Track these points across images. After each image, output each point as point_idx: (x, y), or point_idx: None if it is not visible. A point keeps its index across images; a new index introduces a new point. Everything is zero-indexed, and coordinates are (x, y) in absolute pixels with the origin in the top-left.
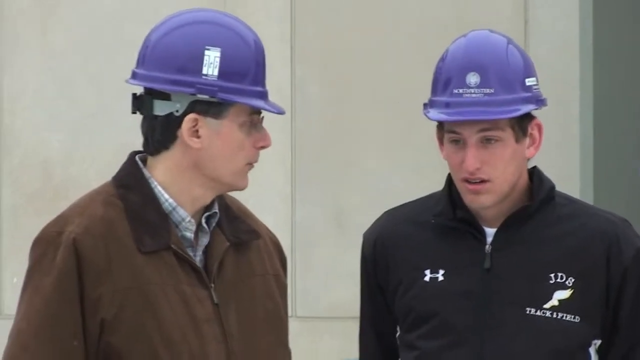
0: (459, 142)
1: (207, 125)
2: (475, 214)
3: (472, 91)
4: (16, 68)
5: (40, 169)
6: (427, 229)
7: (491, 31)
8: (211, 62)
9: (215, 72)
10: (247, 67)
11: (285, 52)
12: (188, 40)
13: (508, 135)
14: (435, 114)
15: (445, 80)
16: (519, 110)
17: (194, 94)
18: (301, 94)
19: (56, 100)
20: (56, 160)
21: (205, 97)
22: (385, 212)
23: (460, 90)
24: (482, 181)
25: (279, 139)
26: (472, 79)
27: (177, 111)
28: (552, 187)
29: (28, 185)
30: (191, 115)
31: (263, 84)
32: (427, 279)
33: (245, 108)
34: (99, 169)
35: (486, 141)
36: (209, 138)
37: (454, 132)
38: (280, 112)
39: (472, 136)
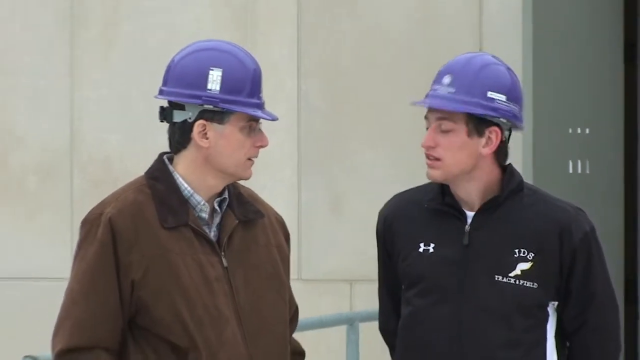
0: (428, 124)
1: (213, 129)
2: (459, 200)
3: (442, 88)
4: (85, 84)
5: (103, 163)
6: (423, 210)
7: (493, 56)
8: (214, 79)
9: (218, 87)
10: (243, 84)
11: (293, 70)
12: (197, 63)
13: (460, 128)
14: (416, 101)
15: (434, 79)
16: (462, 109)
17: (201, 105)
18: (305, 102)
19: (115, 109)
20: (115, 156)
21: (210, 107)
22: (395, 195)
23: (436, 87)
24: (435, 159)
25: (287, 140)
26: (446, 79)
27: (190, 118)
28: (521, 180)
29: (93, 176)
30: (200, 122)
31: (258, 97)
32: (420, 250)
33: (244, 115)
34: (147, 163)
35: (440, 127)
36: (215, 139)
37: (426, 117)
38: (274, 119)
39: (432, 121)
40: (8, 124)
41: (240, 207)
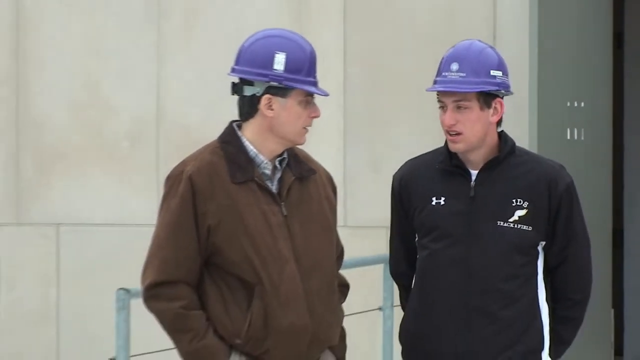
0: (443, 108)
1: (277, 102)
2: (465, 161)
3: (452, 74)
4: (168, 65)
5: (183, 130)
6: (434, 171)
7: (479, 41)
8: (279, 61)
9: (282, 68)
10: (302, 65)
11: (340, 55)
12: (265, 47)
13: (474, 104)
14: (430, 87)
15: (440, 67)
16: (475, 89)
17: (268, 82)
18: (350, 82)
19: (193, 85)
20: (193, 125)
21: (275, 83)
22: (408, 160)
23: (446, 73)
24: (457, 134)
25: (336, 112)
26: (454, 66)
27: (258, 93)
28: (513, 144)
29: (175, 141)
30: (267, 96)
31: (314, 76)
32: (433, 203)
33: (302, 91)
34: (219, 130)
35: (458, 108)
36: (278, 110)
37: (440, 101)
38: (326, 95)
39: (449, 103)
40: (103, 99)
41: (297, 165)
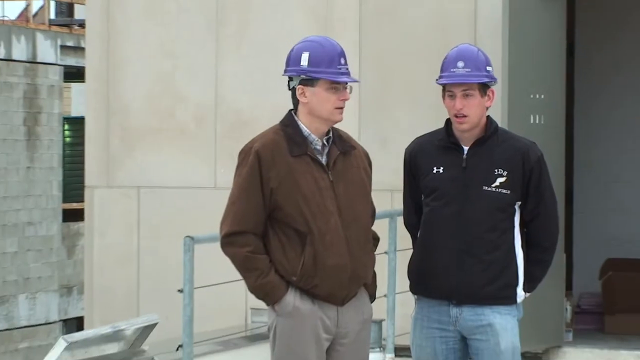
0: (452, 96)
1: (308, 90)
2: (459, 139)
3: (460, 70)
4: (224, 63)
5: (236, 114)
6: (434, 146)
7: (471, 45)
8: (304, 59)
9: (306, 64)
10: (322, 60)
11: (356, 57)
12: (297, 50)
13: (476, 93)
14: (442, 80)
15: (446, 65)
16: (480, 80)
17: (298, 75)
18: (364, 76)
19: (244, 79)
20: (243, 111)
21: (304, 76)
22: (415, 138)
23: (453, 70)
24: (464, 116)
25: (352, 101)
26: (460, 64)
27: (295, 85)
28: (497, 125)
29: (230, 122)
30: (299, 86)
31: (336, 67)
32: (434, 171)
33: (327, 80)
34: (270, 116)
35: (465, 96)
36: (310, 97)
37: (450, 91)
38: (342, 82)
39: (458, 92)
40: (174, 90)
41: (341, 143)
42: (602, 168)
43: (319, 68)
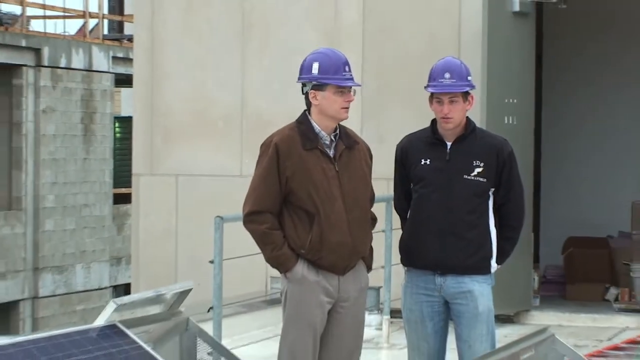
0: (440, 102)
1: (318, 94)
2: (443, 136)
3: (446, 80)
4: (249, 72)
5: (258, 115)
6: (422, 142)
7: (453, 57)
8: (315, 68)
9: (316, 72)
10: (329, 68)
11: (359, 67)
12: (309, 60)
13: (460, 99)
14: (432, 89)
15: (434, 75)
16: (464, 89)
17: (310, 81)
18: (365, 82)
19: (265, 85)
20: (264, 111)
21: (314, 82)
22: (405, 135)
23: (441, 80)
24: (449, 118)
25: (356, 103)
26: (446, 75)
27: (307, 90)
28: (475, 125)
29: (253, 121)
30: (311, 91)
31: (341, 74)
32: (422, 163)
33: (334, 85)
34: (287, 116)
35: (451, 102)
36: (320, 99)
37: (438, 97)
38: (346, 86)
39: (445, 99)
40: (207, 95)
41: (346, 139)
42: (566, 163)
43: (327, 75)
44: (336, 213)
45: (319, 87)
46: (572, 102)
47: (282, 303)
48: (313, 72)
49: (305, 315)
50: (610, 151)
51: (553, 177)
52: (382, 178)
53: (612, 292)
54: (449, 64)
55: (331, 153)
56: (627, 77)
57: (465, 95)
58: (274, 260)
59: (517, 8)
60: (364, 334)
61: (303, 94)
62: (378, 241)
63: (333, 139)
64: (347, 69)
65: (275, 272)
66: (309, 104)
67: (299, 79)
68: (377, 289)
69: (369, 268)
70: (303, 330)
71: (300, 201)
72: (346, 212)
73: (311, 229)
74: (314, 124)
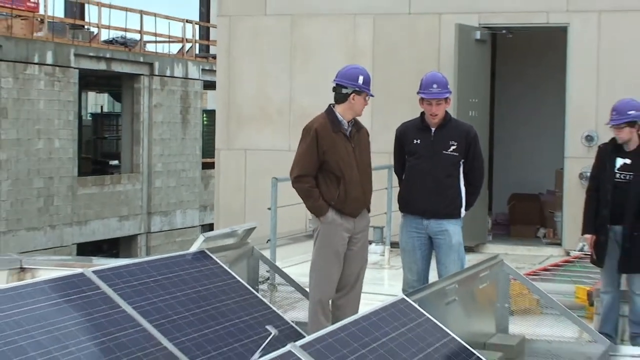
0: (429, 104)
1: (357, 97)
2: (429, 124)
3: (434, 90)
4: (296, 78)
5: (302, 108)
6: (414, 128)
7: (437, 72)
8: (360, 79)
9: (361, 82)
10: (367, 81)
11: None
12: (354, 71)
13: (443, 102)
14: (424, 95)
15: (425, 85)
16: (445, 95)
17: (355, 88)
18: (375, 88)
19: (307, 88)
20: (306, 106)
21: (357, 89)
22: (402, 123)
23: (430, 89)
24: (436, 115)
25: (368, 105)
26: (434, 85)
27: (349, 92)
28: (450, 116)
29: (298, 114)
30: (352, 94)
31: (369, 86)
32: (414, 142)
33: (366, 93)
34: (320, 108)
35: (437, 104)
36: (356, 101)
37: (428, 101)
38: (372, 96)
39: (434, 102)
40: (266, 94)
41: (356, 125)
42: (511, 143)
43: (366, 86)
44: (354, 176)
45: (359, 92)
46: (515, 102)
47: (314, 238)
48: (359, 81)
49: (334, 246)
50: (543, 133)
51: (502, 152)
52: (386, 152)
53: (542, 231)
54: (435, 77)
55: (348, 134)
56: (552, 78)
57: (446, 98)
58: (313, 208)
59: (478, 37)
60: (369, 259)
61: (336, 92)
62: (382, 195)
63: (349, 125)
64: (370, 83)
65: (311, 216)
66: (340, 99)
67: (339, 82)
68: (381, 228)
69: (369, 210)
70: (330, 257)
71: (331, 168)
72: (360, 176)
73: (338, 187)
74: (338, 115)
